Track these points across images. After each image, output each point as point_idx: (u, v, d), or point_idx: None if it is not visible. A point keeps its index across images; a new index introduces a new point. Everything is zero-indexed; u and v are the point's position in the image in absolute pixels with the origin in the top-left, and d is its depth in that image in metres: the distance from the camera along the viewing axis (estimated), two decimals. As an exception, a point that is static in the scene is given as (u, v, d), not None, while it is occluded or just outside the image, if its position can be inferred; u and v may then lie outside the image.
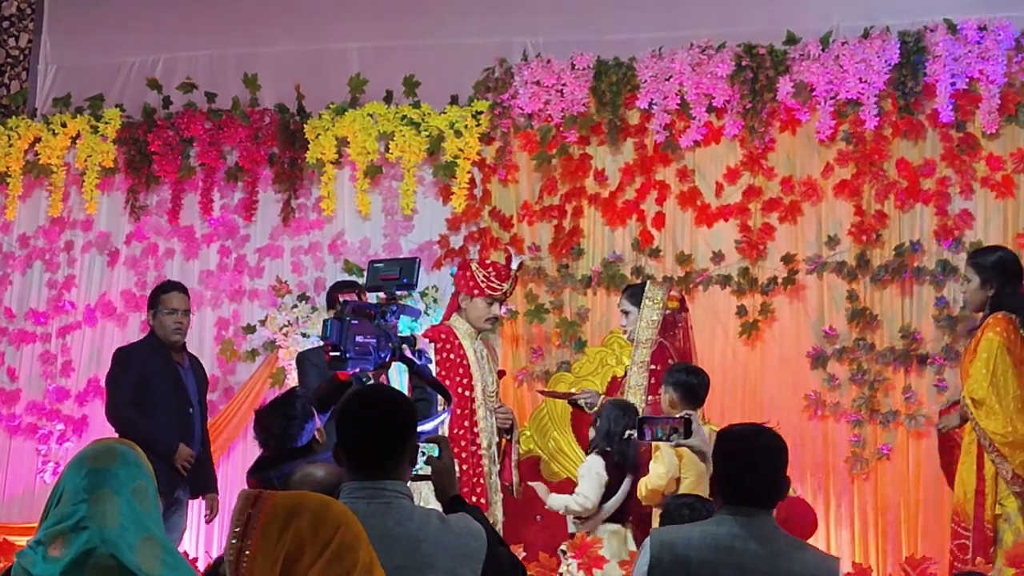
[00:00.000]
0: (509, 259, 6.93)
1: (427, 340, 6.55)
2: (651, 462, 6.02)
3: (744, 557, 3.63)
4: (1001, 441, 6.20)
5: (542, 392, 7.72)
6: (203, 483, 7.35)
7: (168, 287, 7.43)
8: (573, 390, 7.32)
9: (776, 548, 3.66)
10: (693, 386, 6.16)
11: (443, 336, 6.60)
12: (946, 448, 6.69)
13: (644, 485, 5.97)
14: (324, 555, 2.54)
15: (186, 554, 6.12)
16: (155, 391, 7.12)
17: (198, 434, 7.23)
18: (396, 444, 3.36)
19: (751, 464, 3.74)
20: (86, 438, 8.57)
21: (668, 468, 5.87)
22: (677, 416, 5.58)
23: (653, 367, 6.54)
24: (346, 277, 8.53)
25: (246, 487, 5.47)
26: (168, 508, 6.95)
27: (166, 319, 7.25)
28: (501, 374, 7.01)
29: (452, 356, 6.54)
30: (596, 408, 6.76)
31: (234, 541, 2.52)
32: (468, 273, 6.69)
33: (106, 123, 9.11)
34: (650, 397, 6.46)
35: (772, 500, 3.77)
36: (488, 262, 6.94)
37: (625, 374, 6.91)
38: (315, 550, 2.53)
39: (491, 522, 6.06)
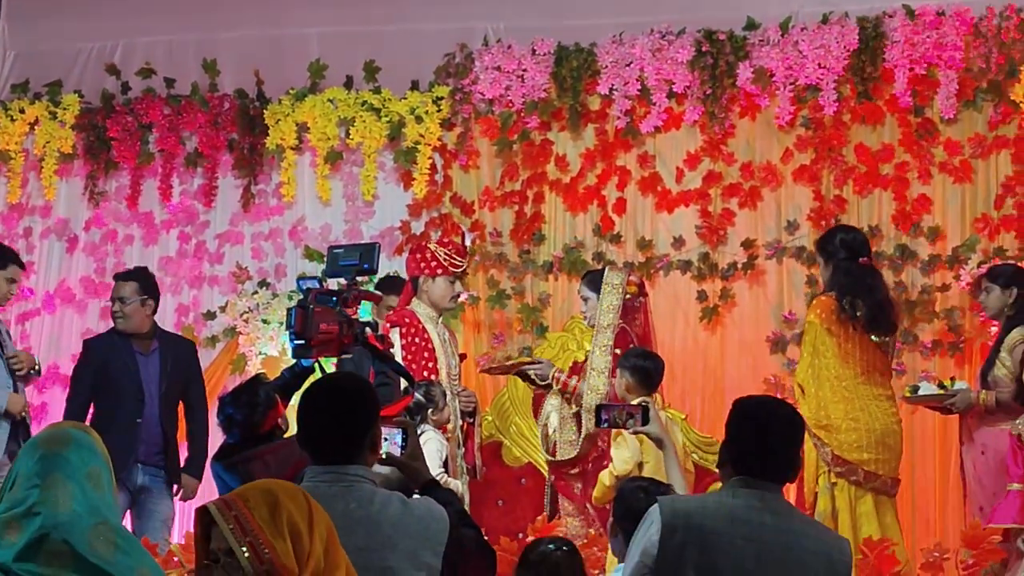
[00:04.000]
0: (463, 236, 6.93)
1: (390, 325, 6.56)
2: (612, 448, 6.01)
3: (761, 530, 3.53)
4: (814, 425, 6.34)
5: (486, 370, 7.53)
6: (174, 471, 7.28)
7: (117, 275, 7.54)
8: (523, 358, 7.26)
9: (791, 524, 3.60)
10: (648, 370, 6.17)
11: (407, 320, 6.60)
12: None
13: (610, 473, 5.90)
14: (315, 527, 2.68)
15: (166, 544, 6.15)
16: (111, 380, 7.21)
17: (155, 421, 7.19)
18: (358, 431, 3.39)
19: (770, 433, 3.63)
20: (45, 425, 8.50)
21: (632, 452, 5.84)
22: (634, 403, 5.59)
23: (617, 351, 6.56)
24: (307, 263, 8.52)
25: (210, 473, 5.50)
26: (140, 495, 7.01)
27: (111, 307, 7.36)
28: (463, 357, 7.02)
29: (417, 340, 6.55)
30: (548, 381, 6.77)
31: (243, 539, 2.59)
32: (427, 255, 6.67)
33: (64, 109, 9.03)
34: (613, 380, 6.49)
35: (785, 476, 3.68)
36: (445, 240, 6.95)
37: (586, 359, 6.91)
38: (305, 524, 2.66)
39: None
